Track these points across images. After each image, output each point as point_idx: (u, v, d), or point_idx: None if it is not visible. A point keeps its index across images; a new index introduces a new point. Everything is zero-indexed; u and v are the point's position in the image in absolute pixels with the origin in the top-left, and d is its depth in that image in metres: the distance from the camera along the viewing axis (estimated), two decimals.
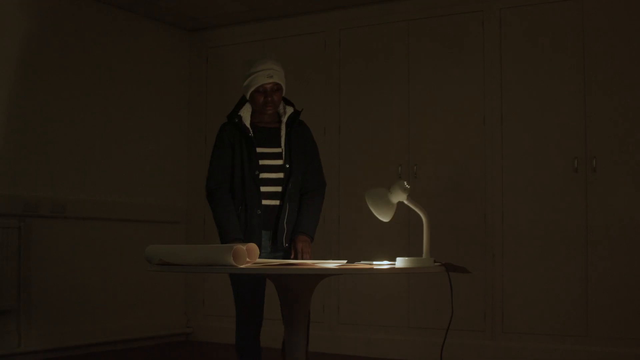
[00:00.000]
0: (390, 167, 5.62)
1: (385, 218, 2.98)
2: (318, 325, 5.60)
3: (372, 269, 2.79)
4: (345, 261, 2.87)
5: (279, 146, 3.58)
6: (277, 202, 3.55)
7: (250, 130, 3.54)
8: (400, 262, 2.77)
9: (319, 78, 5.97)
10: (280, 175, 3.55)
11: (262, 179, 3.52)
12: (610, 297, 4.89)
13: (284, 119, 3.60)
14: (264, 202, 3.53)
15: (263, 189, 3.52)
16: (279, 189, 3.55)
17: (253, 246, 2.67)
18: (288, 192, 3.54)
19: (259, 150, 3.54)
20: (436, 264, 2.83)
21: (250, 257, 2.64)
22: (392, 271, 2.89)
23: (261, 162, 3.53)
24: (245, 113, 3.58)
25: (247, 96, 3.56)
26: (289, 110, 3.64)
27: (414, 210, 2.91)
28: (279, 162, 3.56)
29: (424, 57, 5.62)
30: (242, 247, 2.57)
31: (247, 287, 3.54)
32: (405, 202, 2.94)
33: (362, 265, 2.87)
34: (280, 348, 3.63)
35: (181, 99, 6.58)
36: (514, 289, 5.17)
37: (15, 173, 5.20)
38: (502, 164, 5.27)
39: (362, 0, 5.77)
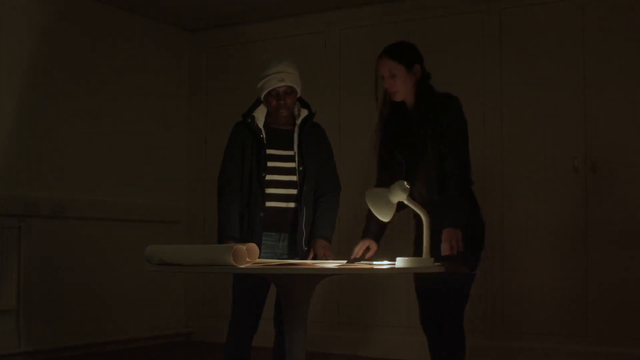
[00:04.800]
0: None
1: (385, 218, 2.98)
2: (318, 325, 5.60)
3: (372, 269, 2.79)
4: (345, 261, 2.87)
5: (292, 149, 3.53)
6: (291, 205, 3.50)
7: (262, 132, 3.50)
8: (400, 262, 2.76)
9: (319, 78, 5.96)
10: (293, 177, 3.50)
11: (270, 180, 3.47)
12: (610, 297, 4.89)
13: (298, 121, 3.57)
14: (275, 204, 3.48)
15: (273, 190, 3.48)
16: (293, 191, 3.51)
17: (253, 246, 2.67)
18: (304, 195, 3.50)
19: (270, 152, 3.49)
20: (436, 264, 2.83)
21: (250, 257, 2.64)
22: (392, 271, 2.89)
23: (271, 163, 3.48)
24: (260, 114, 3.53)
25: (261, 98, 3.52)
26: (304, 112, 3.60)
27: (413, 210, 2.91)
28: (292, 164, 3.51)
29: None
30: (242, 247, 2.56)
31: (251, 290, 3.47)
32: (405, 202, 2.93)
33: (362, 265, 2.87)
34: (271, 348, 3.60)
35: (181, 99, 6.57)
36: (514, 289, 5.17)
37: (15, 173, 5.20)
38: (502, 164, 5.27)
39: (362, 0, 5.76)
